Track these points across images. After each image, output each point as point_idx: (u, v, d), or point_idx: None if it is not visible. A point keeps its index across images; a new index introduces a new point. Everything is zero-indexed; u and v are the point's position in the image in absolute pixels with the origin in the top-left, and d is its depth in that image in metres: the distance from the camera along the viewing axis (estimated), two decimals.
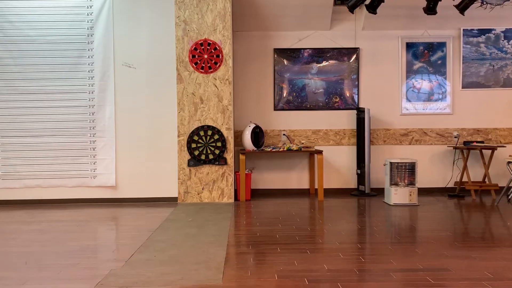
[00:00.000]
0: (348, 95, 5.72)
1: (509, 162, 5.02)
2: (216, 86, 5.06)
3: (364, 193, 5.46)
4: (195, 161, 5.07)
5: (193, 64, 5.05)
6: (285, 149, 5.30)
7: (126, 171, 5.16)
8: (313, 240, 3.29)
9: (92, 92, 5.13)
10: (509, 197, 5.06)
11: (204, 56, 5.03)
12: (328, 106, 5.72)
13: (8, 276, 2.52)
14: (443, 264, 2.66)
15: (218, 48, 5.05)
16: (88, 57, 5.13)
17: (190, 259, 2.82)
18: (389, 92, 5.74)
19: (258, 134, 5.35)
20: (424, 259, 2.75)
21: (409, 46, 5.72)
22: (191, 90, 5.06)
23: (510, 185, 5.02)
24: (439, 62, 5.72)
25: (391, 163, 4.88)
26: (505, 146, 5.45)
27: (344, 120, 5.72)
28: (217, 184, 5.08)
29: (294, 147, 5.32)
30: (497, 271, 2.52)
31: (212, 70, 5.04)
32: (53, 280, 2.44)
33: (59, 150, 5.13)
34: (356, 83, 5.72)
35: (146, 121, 5.17)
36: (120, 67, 5.14)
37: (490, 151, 5.35)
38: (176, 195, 5.12)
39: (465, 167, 5.38)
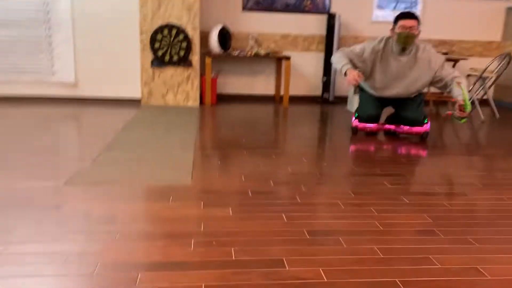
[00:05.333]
0: None
1: (468, 75, 5.18)
2: None
3: (328, 100, 5.55)
4: (159, 62, 4.89)
5: None
6: (252, 53, 5.19)
7: (86, 68, 4.94)
8: (278, 145, 3.39)
9: None
10: None
11: None
12: (299, 9, 5.52)
13: None
14: (398, 169, 2.84)
15: None
16: None
17: (158, 159, 2.85)
18: None
19: (225, 36, 5.16)
20: (383, 165, 2.92)
21: None
22: None
23: None
24: None
25: None
26: (467, 59, 5.58)
27: (314, 25, 5.58)
28: (182, 87, 4.99)
29: (262, 52, 5.21)
30: (446, 177, 2.73)
31: None
32: (18, 179, 2.42)
33: (12, 43, 4.78)
34: None
35: (106, 16, 4.84)
36: None
37: (453, 63, 5.47)
38: (139, 96, 5.01)
39: None
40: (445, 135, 4.02)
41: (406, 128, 3.69)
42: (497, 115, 4.93)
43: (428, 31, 5.73)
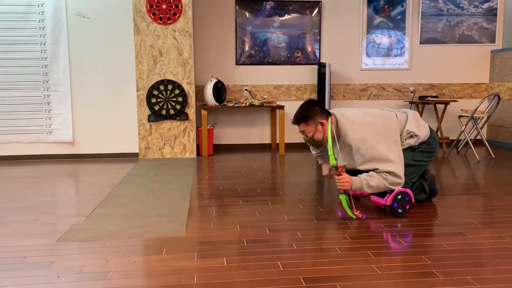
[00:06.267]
0: (310, 49, 5.72)
1: (460, 116, 5.27)
2: (175, 39, 4.91)
3: None
4: (156, 116, 4.98)
5: (151, 15, 4.85)
6: (247, 104, 5.30)
7: (84, 126, 5.02)
8: (274, 192, 3.38)
9: (44, 44, 4.86)
10: (458, 149, 5.35)
11: (162, 6, 4.83)
12: (290, 61, 5.71)
13: None
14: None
15: None
16: (38, 5, 4.81)
17: (152, 212, 2.84)
18: (350, 47, 5.78)
19: (220, 89, 5.29)
20: (379, 209, 2.90)
21: (370, 0, 5.72)
22: (150, 42, 4.89)
23: (459, 138, 5.30)
24: (399, 17, 5.78)
25: None
26: (457, 101, 5.69)
27: (306, 75, 5.75)
28: (179, 140, 5.05)
29: (256, 102, 5.32)
30: (444, 217, 2.70)
31: (171, 21, 4.87)
32: (13, 236, 2.40)
33: (12, 105, 4.89)
34: (318, 37, 5.71)
35: (103, 75, 4.99)
36: (73, 17, 4.87)
37: (444, 105, 5.57)
38: (137, 151, 5.06)
39: None
40: (441, 175, 4.02)
41: (371, 196, 2.86)
42: (492, 155, 4.95)
43: (417, 76, 5.89)
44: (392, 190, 2.66)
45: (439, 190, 3.13)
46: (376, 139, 2.65)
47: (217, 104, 5.25)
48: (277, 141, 4.62)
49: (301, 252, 2.14)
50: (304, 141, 2.89)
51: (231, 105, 5.28)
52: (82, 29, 4.89)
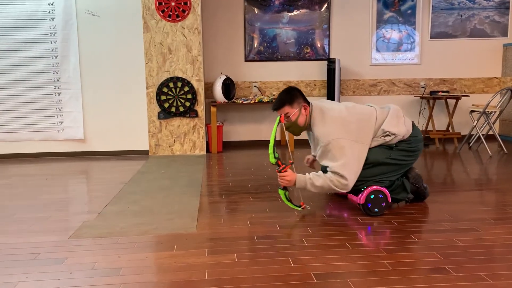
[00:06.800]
0: (319, 45, 5.69)
1: (471, 111, 5.21)
2: (184, 36, 4.92)
3: None
4: (165, 113, 5.00)
5: (160, 12, 4.86)
6: (256, 101, 5.30)
7: (95, 124, 5.06)
8: None
9: (55, 42, 4.89)
10: (470, 144, 5.30)
11: (171, 4, 4.84)
12: (299, 57, 5.69)
13: None
14: (407, 208, 2.80)
15: None
16: (48, 4, 4.85)
17: (163, 209, 2.85)
18: (359, 43, 5.74)
19: (229, 86, 5.29)
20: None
21: None
22: (159, 39, 4.90)
23: (471, 133, 5.24)
24: (409, 12, 5.72)
25: None
26: (469, 96, 5.62)
27: (315, 71, 5.72)
28: (188, 137, 5.07)
29: (265, 99, 5.32)
30: (456, 213, 2.68)
31: (180, 18, 4.88)
32: (27, 233, 2.43)
33: (23, 104, 4.94)
34: (327, 33, 5.67)
35: (113, 73, 5.02)
36: (83, 16, 4.90)
37: (455, 100, 5.51)
38: (147, 148, 5.09)
39: (430, 116, 5.55)
40: (453, 170, 3.99)
41: (349, 195, 2.84)
42: (505, 150, 4.89)
43: (427, 71, 5.83)
44: (364, 189, 2.60)
45: (428, 191, 2.95)
46: (340, 134, 2.56)
47: (226, 101, 5.26)
48: (287, 138, 4.64)
49: (312, 248, 2.13)
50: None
51: (240, 101, 5.28)
52: (92, 27, 4.92)
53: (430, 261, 1.96)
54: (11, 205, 3.02)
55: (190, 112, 5.02)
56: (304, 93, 2.79)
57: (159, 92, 4.96)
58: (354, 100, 5.77)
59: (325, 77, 5.70)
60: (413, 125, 2.83)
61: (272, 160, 2.63)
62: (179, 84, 4.96)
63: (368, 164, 2.64)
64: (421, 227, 2.44)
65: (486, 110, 4.94)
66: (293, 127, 2.73)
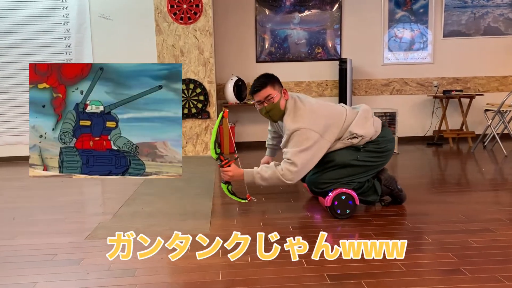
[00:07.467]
0: (330, 45, 5.68)
1: (486, 110, 5.15)
2: (196, 38, 4.95)
3: None
4: None
5: (172, 15, 4.90)
6: None
7: None
8: (296, 189, 3.38)
9: (69, 46, 4.97)
10: (485, 144, 5.23)
11: (183, 6, 4.88)
12: (310, 57, 5.68)
13: None
14: (421, 209, 2.78)
15: None
16: (63, 8, 4.92)
17: (177, 210, 2.88)
18: (371, 42, 5.71)
19: (240, 87, 5.31)
20: (404, 204, 2.87)
21: None
22: (171, 42, 4.94)
23: (486, 132, 5.18)
24: (421, 10, 5.68)
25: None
26: (483, 94, 5.56)
27: (327, 71, 5.71)
28: (200, 138, 5.10)
29: None
30: (471, 213, 2.65)
31: (192, 21, 4.91)
32: (43, 234, 2.48)
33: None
34: (339, 33, 5.66)
35: None
36: (96, 19, 4.96)
37: (469, 99, 5.45)
38: None
39: (443, 116, 5.50)
40: (468, 170, 3.95)
41: (319, 198, 2.87)
42: None
43: (440, 70, 5.77)
44: (331, 191, 2.58)
45: (405, 194, 2.85)
46: (309, 125, 2.52)
47: (238, 102, 5.28)
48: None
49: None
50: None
51: (252, 102, 5.29)
52: (105, 30, 4.98)
53: (444, 262, 1.95)
54: (25, 207, 3.08)
55: (202, 113, 5.05)
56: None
57: None
58: (366, 100, 5.74)
59: (336, 77, 5.68)
60: (383, 125, 2.77)
61: (214, 155, 2.62)
62: (191, 86, 5.00)
63: (335, 166, 2.62)
64: (435, 227, 2.42)
65: (501, 109, 4.88)
66: (274, 110, 2.67)
